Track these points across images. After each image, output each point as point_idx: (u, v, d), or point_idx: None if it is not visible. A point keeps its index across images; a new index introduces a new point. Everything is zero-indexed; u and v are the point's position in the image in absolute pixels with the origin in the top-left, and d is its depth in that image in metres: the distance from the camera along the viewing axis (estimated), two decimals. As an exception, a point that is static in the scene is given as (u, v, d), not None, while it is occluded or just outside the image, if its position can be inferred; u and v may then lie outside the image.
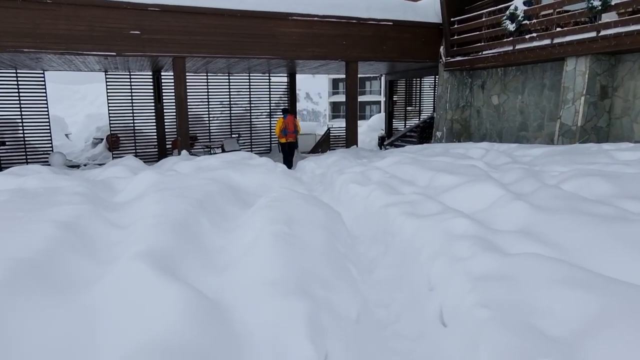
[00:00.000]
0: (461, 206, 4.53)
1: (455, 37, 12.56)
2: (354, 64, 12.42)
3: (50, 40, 9.29)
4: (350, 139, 12.74)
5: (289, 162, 11.81)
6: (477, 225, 3.46)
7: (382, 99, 55.59)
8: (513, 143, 11.93)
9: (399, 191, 5.53)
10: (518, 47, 10.58)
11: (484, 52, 11.71)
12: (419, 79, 19.05)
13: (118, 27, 9.82)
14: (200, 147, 14.45)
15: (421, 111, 19.46)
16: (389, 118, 18.57)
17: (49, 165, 11.11)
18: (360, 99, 57.79)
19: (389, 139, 18.51)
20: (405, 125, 19.22)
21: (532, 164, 6.95)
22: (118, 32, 9.83)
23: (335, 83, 61.31)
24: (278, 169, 6.51)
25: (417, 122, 18.99)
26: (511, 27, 10.57)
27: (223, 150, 14.08)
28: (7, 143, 13.26)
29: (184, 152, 10.78)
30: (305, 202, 3.85)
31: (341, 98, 61.23)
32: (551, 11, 10.05)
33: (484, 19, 11.52)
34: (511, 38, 10.72)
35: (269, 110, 16.55)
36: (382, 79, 51.30)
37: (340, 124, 58.91)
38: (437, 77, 18.79)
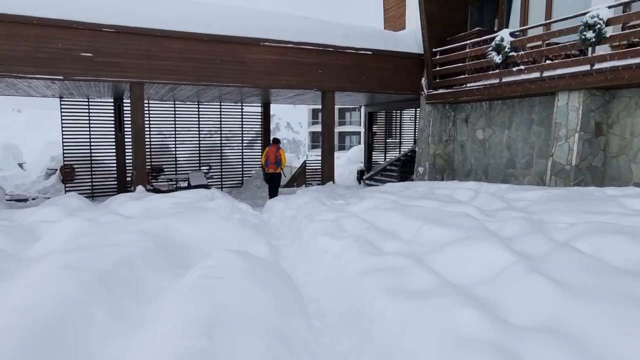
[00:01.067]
0: (460, 275, 3.55)
1: (438, 68, 11.91)
2: (330, 94, 11.60)
3: (-14, 61, 8.18)
4: (327, 174, 11.79)
5: (273, 193, 11.90)
6: (490, 320, 2.45)
7: (362, 129, 55.55)
8: (500, 180, 11.17)
9: (379, 248, 4.52)
10: (505, 79, 9.92)
11: (468, 85, 11.04)
12: (399, 111, 18.40)
13: (67, 48, 8.78)
14: (165, 179, 13.29)
15: (401, 143, 18.75)
16: (369, 150, 17.77)
17: (-15, 200, 9.80)
18: (340, 129, 57.62)
19: (368, 173, 17.65)
20: (385, 158, 18.43)
21: (530, 210, 6.06)
22: (67, 54, 8.79)
23: (315, 113, 61.12)
24: (235, 215, 5.45)
25: (397, 155, 18.23)
26: (497, 59, 9.92)
27: (189, 184, 12.93)
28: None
29: (139, 188, 9.63)
30: (250, 280, 2.81)
31: (320, 128, 61.05)
32: (540, 43, 9.46)
33: (467, 50, 10.90)
34: (497, 70, 10.07)
35: (240, 142, 15.56)
36: (362, 110, 51.18)
37: (320, 154, 58.51)
38: (418, 109, 18.22)
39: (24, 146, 18.89)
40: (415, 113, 18.46)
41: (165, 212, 5.53)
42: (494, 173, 11.38)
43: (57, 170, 14.37)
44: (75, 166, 13.25)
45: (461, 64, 11.19)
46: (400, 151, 18.61)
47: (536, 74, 9.15)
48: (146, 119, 13.76)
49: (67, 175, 13.18)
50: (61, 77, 8.85)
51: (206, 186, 12.84)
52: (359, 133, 56.86)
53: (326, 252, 4.59)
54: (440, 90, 11.87)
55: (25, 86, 10.12)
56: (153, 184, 13.44)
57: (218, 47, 10.09)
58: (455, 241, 4.23)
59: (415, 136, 18.75)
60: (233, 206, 6.45)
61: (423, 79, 12.49)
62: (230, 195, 14.55)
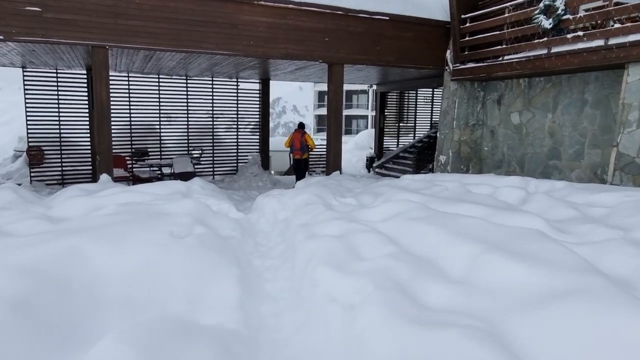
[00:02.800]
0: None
1: (467, 38, 9.97)
2: (338, 68, 9.72)
3: None
4: (333, 162, 9.98)
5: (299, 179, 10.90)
6: None
7: (369, 112, 53.56)
8: (539, 174, 9.32)
9: (418, 298, 2.75)
10: (556, 49, 8.00)
11: (505, 57, 9.12)
12: (414, 92, 16.47)
13: (8, 0, 6.94)
14: (147, 166, 11.54)
15: (416, 128, 16.86)
16: (380, 135, 15.91)
17: None
18: (347, 112, 55.49)
19: (378, 160, 15.82)
20: (398, 144, 16.57)
21: (621, 225, 4.25)
22: (7, 7, 6.96)
23: (321, 95, 58.97)
24: (197, 229, 3.68)
25: (411, 141, 16.37)
26: (546, 23, 8.00)
27: (172, 172, 11.18)
28: None
29: (103, 177, 7.88)
30: None
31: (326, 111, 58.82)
32: (604, 2, 7.52)
33: (507, 15, 8.94)
34: (545, 38, 8.15)
35: (235, 123, 13.73)
36: (371, 91, 49.18)
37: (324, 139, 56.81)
38: (436, 89, 16.29)
39: None
40: (433, 94, 16.53)
41: (95, 220, 3.76)
42: (532, 165, 9.53)
43: (24, 152, 12.65)
44: (44, 148, 11.51)
45: (497, 32, 9.26)
46: (415, 136, 16.74)
47: (599, 42, 7.23)
48: (125, 93, 11.99)
49: (34, 158, 11.45)
50: (1, 37, 7.03)
51: (192, 174, 11.08)
52: (366, 117, 54.72)
53: (332, 300, 2.83)
54: (469, 65, 9.95)
55: (-35, 50, 8.32)
56: (133, 170, 11.70)
57: (202, 5, 8.21)
58: (552, 295, 2.45)
59: (431, 120, 16.86)
60: (202, 211, 4.66)
61: (448, 51, 10.56)
62: (223, 183, 12.82)
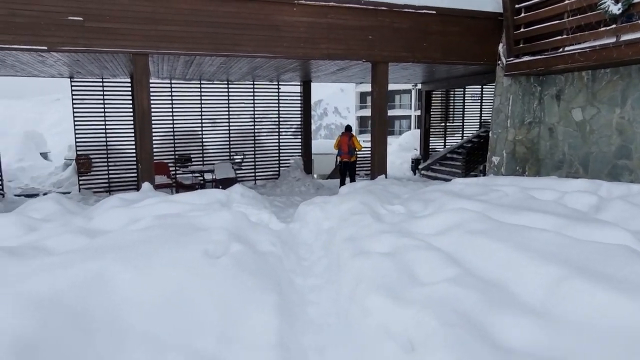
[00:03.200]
0: None
1: (522, 29, 9.24)
2: (382, 67, 9.25)
3: (-51, 28, 6.52)
4: (378, 166, 9.51)
5: (346, 183, 11.33)
6: None
7: (412, 113, 52.41)
8: (606, 175, 8.47)
9: (492, 335, 2.29)
10: (625, 37, 7.21)
11: (565, 49, 8.36)
12: (461, 89, 15.71)
13: (51, 10, 6.98)
14: (189, 172, 11.50)
15: (464, 127, 16.08)
16: (425, 136, 15.26)
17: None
18: (389, 113, 54.61)
19: (424, 162, 15.18)
20: (444, 145, 15.86)
21: None
22: (51, 17, 6.99)
23: (363, 97, 58.36)
24: (233, 247, 3.36)
25: (459, 141, 15.62)
26: (615, 9, 7.22)
27: (214, 179, 11.08)
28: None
29: (145, 185, 7.80)
30: None
31: (369, 112, 58.02)
32: (684, -19, 6.69)
33: (567, 1, 8.19)
34: (614, 26, 7.36)
35: (277, 127, 13.53)
36: (414, 90, 47.95)
37: (368, 139, 55.95)
38: (485, 86, 15.47)
39: (54, 135, 17.88)
40: (482, 91, 15.72)
41: (128, 236, 3.52)
42: (597, 165, 8.69)
43: (73, 161, 12.96)
44: (91, 156, 11.72)
45: (557, 22, 8.51)
46: (462, 136, 15.97)
47: (680, 27, 6.42)
48: (167, 99, 12.04)
49: (82, 166, 11.68)
50: (45, 47, 7.08)
51: (234, 180, 10.93)
52: (409, 117, 53.58)
53: (387, 335, 2.42)
54: (525, 58, 9.21)
55: (14, 61, 8.48)
56: (177, 176, 11.71)
57: (240, 7, 8.00)
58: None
59: (480, 119, 16.04)
60: (240, 223, 4.36)
61: (501, 44, 9.86)
62: (265, 188, 12.62)
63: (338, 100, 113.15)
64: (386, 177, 9.58)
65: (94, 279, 2.51)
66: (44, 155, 15.51)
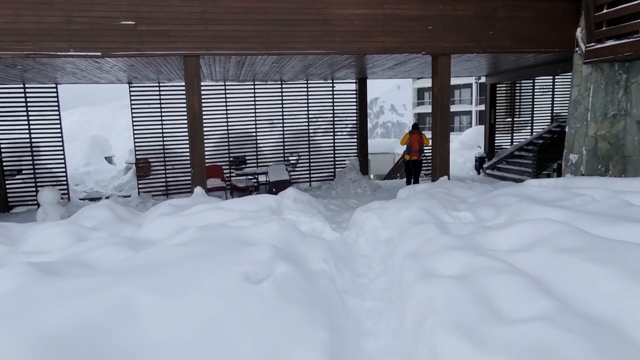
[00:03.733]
0: None
1: (605, 10, 8.19)
2: (444, 59, 8.56)
3: (10, 38, 6.65)
4: (440, 166, 8.82)
5: (413, 181, 11.40)
6: None
7: (473, 108, 50.22)
8: None
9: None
10: None
11: (660, 29, 7.27)
12: (530, 81, 14.52)
13: (105, 16, 6.98)
14: (243, 175, 11.35)
15: (533, 122, 14.85)
16: (490, 132, 14.24)
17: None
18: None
19: (489, 160, 14.17)
20: (511, 142, 14.73)
21: None
22: (104, 23, 6.99)
23: (420, 93, 56.71)
24: (279, 268, 2.94)
25: (528, 137, 14.45)
26: None
27: (267, 181, 10.85)
28: (22, 172, 11.14)
29: (197, 190, 7.65)
30: None
31: (427, 109, 56.12)
32: None
33: (663, -25, 7.11)
34: None
35: (332, 126, 13.11)
36: (475, 84, 45.89)
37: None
38: (556, 77, 14.20)
39: (121, 139, 18.66)
40: (554, 82, 14.44)
41: (164, 253, 3.22)
42: (701, 162, 7.50)
43: (133, 164, 13.27)
44: (150, 160, 11.89)
45: (649, -1, 7.43)
46: (532, 132, 14.76)
47: None
48: (222, 101, 11.98)
49: (142, 170, 11.88)
50: (99, 53, 7.09)
51: (287, 182, 10.64)
52: (469, 113, 51.34)
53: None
54: (608, 43, 8.16)
55: (74, 68, 8.65)
56: (232, 179, 11.62)
57: (292, 3, 7.64)
58: None
59: (552, 113, 14.76)
60: (289, 235, 3.95)
61: (579, 29, 8.83)
62: (320, 190, 12.25)
63: (394, 97, 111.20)
64: (449, 179, 8.87)
65: (117, 309, 2.18)
66: (109, 160, 16.16)
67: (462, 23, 8.44)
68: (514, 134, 14.88)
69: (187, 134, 11.61)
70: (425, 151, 11.29)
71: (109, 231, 5.18)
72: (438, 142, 8.78)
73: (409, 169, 11.41)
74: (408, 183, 11.56)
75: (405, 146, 11.30)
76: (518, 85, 14.50)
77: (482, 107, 48.50)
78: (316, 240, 4.26)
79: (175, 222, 5.10)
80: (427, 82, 54.93)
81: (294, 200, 6.90)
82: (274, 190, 10.52)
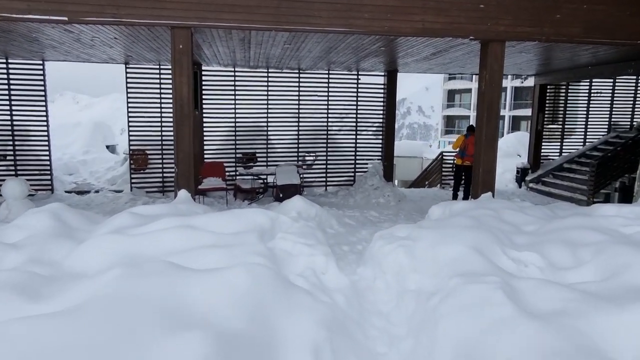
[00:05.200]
0: None
1: None
2: (497, 46, 6.86)
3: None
4: (483, 181, 7.14)
5: (461, 190, 10.23)
6: None
7: (507, 113, 47.74)
8: None
9: None
10: None
11: None
12: (586, 82, 12.62)
13: (73, -28, 5.55)
14: (249, 175, 9.86)
15: (587, 130, 12.93)
16: (537, 140, 12.39)
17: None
18: (448, 112, 50.15)
19: (534, 172, 12.34)
20: (560, 151, 12.86)
21: None
22: (72, -20, 5.56)
23: (451, 95, 54.43)
24: None
25: (580, 147, 12.56)
26: None
27: (275, 185, 9.34)
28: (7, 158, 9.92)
29: (181, 193, 6.19)
30: None
31: (457, 112, 53.72)
32: None
33: None
34: None
35: (354, 124, 11.51)
36: (509, 87, 43.40)
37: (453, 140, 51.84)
38: (616, 79, 12.26)
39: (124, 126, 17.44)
40: (614, 84, 12.50)
41: (152, 278, 1.72)
42: None
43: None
44: (147, 152, 10.54)
45: None
46: (584, 142, 12.85)
47: None
48: (230, 90, 10.54)
49: (137, 162, 10.53)
50: (65, 18, 5.67)
51: (297, 187, 9.11)
52: (502, 117, 48.78)
53: None
54: None
55: (49, 40, 7.29)
56: (236, 179, 10.15)
57: (309, -34, 6.08)
58: None
59: (610, 119, 12.82)
60: (260, 299, 2.42)
61: (671, 16, 7.01)
62: (337, 197, 10.68)
63: (422, 99, 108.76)
64: (493, 196, 7.19)
65: None
66: (112, 149, 14.89)
67: (522, 3, 6.73)
68: (564, 142, 12.97)
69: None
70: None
71: (31, 252, 3.75)
72: (483, 150, 7.10)
73: (459, 176, 10.17)
74: (455, 192, 10.33)
75: (458, 150, 10.21)
76: (572, 87, 12.61)
77: (517, 112, 46.03)
78: (308, 298, 2.71)
79: (118, 246, 3.64)
80: (459, 84, 52.58)
81: (297, 217, 5.37)
82: (280, 195, 9.01)
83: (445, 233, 4.20)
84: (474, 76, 49.59)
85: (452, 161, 13.02)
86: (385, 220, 8.27)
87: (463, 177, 10.15)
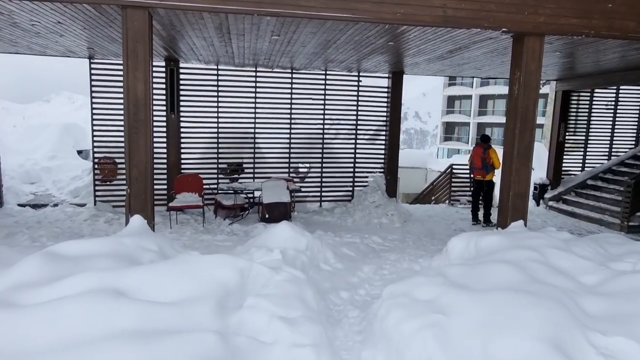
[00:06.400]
0: None
1: None
2: (534, 41, 5.54)
3: None
4: (513, 205, 5.77)
5: (480, 208, 9.16)
6: None
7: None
8: None
9: None
10: None
11: None
12: (613, 89, 11.36)
13: None
14: (231, 189, 8.46)
15: (613, 142, 11.65)
16: (557, 153, 11.08)
17: None
18: (479, 119, 48.92)
19: (554, 189, 11.03)
20: (583, 166, 11.57)
21: None
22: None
23: (450, 101, 53.28)
24: None
25: (605, 162, 11.27)
26: None
27: (260, 202, 7.95)
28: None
29: (134, 220, 4.82)
30: None
31: (457, 118, 52.48)
32: None
33: None
34: None
35: (354, 132, 10.16)
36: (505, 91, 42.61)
37: (454, 147, 50.33)
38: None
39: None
40: (645, 94, 11.23)
41: None
42: None
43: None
44: (116, 160, 9.13)
45: None
46: (609, 156, 11.57)
47: None
48: (213, 90, 9.20)
49: (104, 172, 9.13)
50: (-21, -9, 4.30)
51: (286, 207, 7.74)
52: (503, 125, 47.52)
53: None
54: None
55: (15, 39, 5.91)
56: (217, 193, 8.77)
57: None
58: None
59: (637, 133, 11.55)
60: None
61: None
62: (333, 216, 9.32)
63: (419, 105, 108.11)
64: (525, 224, 5.85)
65: None
66: (86, 154, 13.39)
67: (566, -12, 5.43)
68: (586, 156, 11.68)
69: (163, 128, 8.90)
70: (493, 170, 8.74)
71: None
72: (513, 169, 5.76)
73: (477, 192, 9.12)
74: (473, 211, 9.21)
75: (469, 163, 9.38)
76: (597, 94, 11.33)
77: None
78: None
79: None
80: (459, 90, 51.31)
81: (281, 259, 4.00)
82: (266, 216, 7.63)
83: (494, 305, 2.84)
84: (474, 82, 48.59)
85: (465, 174, 11.72)
86: (390, 248, 6.92)
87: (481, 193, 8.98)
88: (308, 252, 5.26)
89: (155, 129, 8.96)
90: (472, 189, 9.33)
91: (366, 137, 10.47)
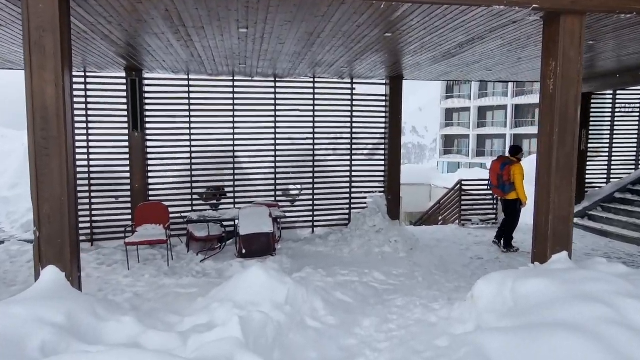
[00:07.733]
0: None
1: None
2: (573, 21, 4.32)
3: None
4: (556, 231, 4.47)
5: (505, 234, 7.77)
6: None
7: (507, 131, 45.50)
8: None
9: None
10: None
11: None
12: (638, 90, 10.18)
13: None
14: (204, 218, 7.14)
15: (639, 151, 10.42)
16: (580, 163, 9.79)
17: None
18: (479, 131, 47.83)
19: (577, 205, 9.73)
20: (608, 177, 10.30)
21: None
22: None
23: (449, 113, 52.26)
24: None
25: (633, 172, 10.01)
26: None
27: (236, 234, 6.62)
28: None
29: (46, 274, 3.51)
30: None
31: (456, 130, 51.28)
32: None
33: None
34: None
35: (349, 146, 8.88)
36: (510, 105, 41.29)
37: (455, 160, 49.13)
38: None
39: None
40: (675, 93, 10.02)
41: None
42: None
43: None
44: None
45: None
46: (636, 165, 10.31)
47: None
48: (184, 104, 7.98)
49: (58, 202, 7.79)
50: None
51: (268, 238, 6.41)
52: (503, 136, 46.41)
53: None
54: None
55: None
56: (186, 223, 7.42)
57: None
58: None
59: (668, 136, 10.32)
60: None
61: None
62: (327, 245, 8.01)
63: (416, 119, 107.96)
64: (570, 256, 4.53)
65: None
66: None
67: (611, -47, 4.22)
68: (609, 167, 10.41)
69: (127, 148, 7.64)
70: (513, 190, 7.49)
71: None
72: (552, 186, 4.48)
73: (505, 212, 8.01)
74: (500, 237, 7.93)
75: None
76: (620, 96, 10.15)
77: (518, 130, 43.62)
78: None
79: None
80: (457, 102, 50.32)
81: (236, 344, 2.67)
82: (243, 251, 6.28)
83: None
84: (472, 94, 47.63)
85: (476, 191, 10.44)
86: (396, 288, 5.60)
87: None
88: (288, 306, 3.94)
89: (114, 149, 7.76)
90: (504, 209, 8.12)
91: (363, 152, 9.21)
